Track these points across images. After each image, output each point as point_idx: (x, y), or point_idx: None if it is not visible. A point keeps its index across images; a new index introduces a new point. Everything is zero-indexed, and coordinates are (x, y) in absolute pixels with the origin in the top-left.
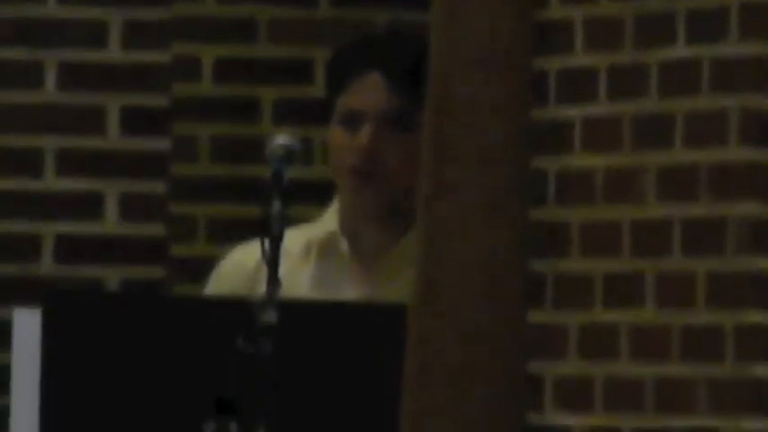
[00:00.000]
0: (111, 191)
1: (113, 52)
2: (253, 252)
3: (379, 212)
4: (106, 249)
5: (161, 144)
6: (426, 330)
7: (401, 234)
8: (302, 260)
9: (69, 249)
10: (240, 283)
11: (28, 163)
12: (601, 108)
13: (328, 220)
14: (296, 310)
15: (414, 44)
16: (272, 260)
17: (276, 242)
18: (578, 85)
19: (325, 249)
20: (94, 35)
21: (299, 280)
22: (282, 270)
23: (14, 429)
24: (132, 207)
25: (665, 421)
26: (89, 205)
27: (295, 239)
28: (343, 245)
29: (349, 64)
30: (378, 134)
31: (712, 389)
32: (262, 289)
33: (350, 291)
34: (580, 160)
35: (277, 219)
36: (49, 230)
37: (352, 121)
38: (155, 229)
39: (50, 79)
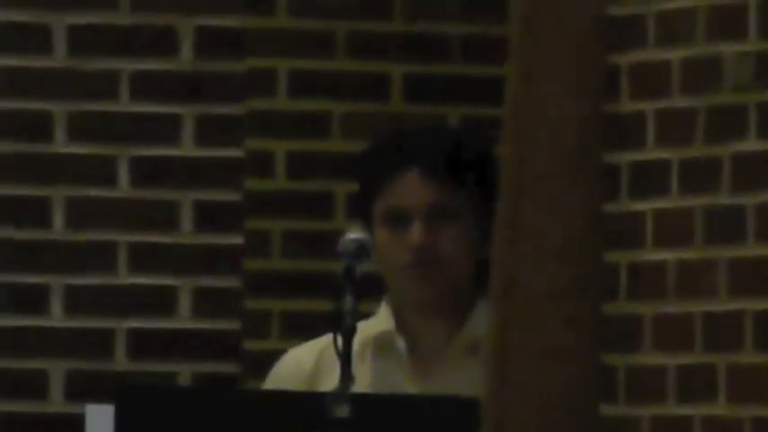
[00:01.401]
0: (185, 286)
1: (187, 148)
2: (309, 352)
3: (439, 307)
4: (179, 344)
5: (235, 239)
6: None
7: (458, 327)
8: (359, 359)
9: (143, 345)
10: (298, 384)
11: (104, 259)
12: (672, 202)
13: (382, 318)
14: (369, 404)
15: (446, 134)
16: (346, 354)
17: (349, 337)
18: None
19: (381, 347)
20: (168, 130)
21: (357, 379)
22: (339, 369)
23: None
24: (206, 302)
25: None
26: (163, 301)
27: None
28: (400, 342)
29: (386, 163)
30: (428, 229)
31: None
32: (320, 389)
33: (409, 388)
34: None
35: (349, 313)
36: (123, 326)
37: (399, 220)
38: (228, 324)
39: (124, 175)
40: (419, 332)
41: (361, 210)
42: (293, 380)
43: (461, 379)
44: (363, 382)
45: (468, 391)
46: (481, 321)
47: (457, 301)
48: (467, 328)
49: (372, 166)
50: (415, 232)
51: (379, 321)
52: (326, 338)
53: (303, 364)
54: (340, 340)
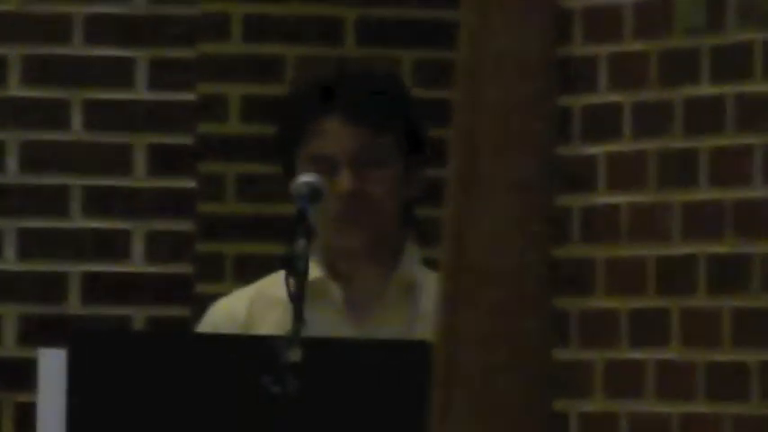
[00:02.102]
0: (138, 230)
1: (140, 92)
2: (240, 300)
3: (370, 253)
4: (133, 288)
5: (188, 183)
6: (452, 368)
7: (390, 270)
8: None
9: (96, 289)
10: (231, 330)
11: (55, 203)
12: (625, 146)
13: (313, 266)
14: (321, 348)
15: (367, 78)
16: (298, 297)
17: (301, 280)
18: (603, 123)
19: (315, 295)
20: (122, 74)
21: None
22: (274, 318)
23: None
24: (159, 246)
25: None
26: (116, 244)
27: (282, 286)
28: (334, 289)
29: (309, 109)
30: (355, 175)
31: (738, 427)
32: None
33: (348, 333)
34: (604, 198)
35: (302, 256)
36: (76, 269)
37: (325, 166)
38: (181, 268)
39: (77, 118)
40: (352, 278)
41: (283, 156)
42: (225, 328)
43: (399, 320)
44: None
45: (408, 333)
46: (412, 262)
47: (387, 244)
48: (399, 271)
49: (295, 111)
50: (344, 180)
51: (311, 269)
52: (257, 285)
53: (235, 312)
54: (292, 283)
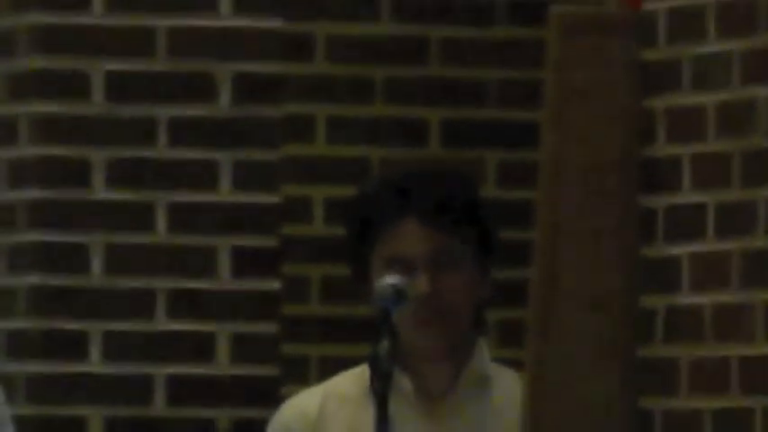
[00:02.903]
0: (223, 332)
1: (225, 193)
2: (312, 398)
3: (445, 354)
4: (218, 390)
5: (272, 284)
6: None
7: (463, 365)
8: (365, 402)
9: (181, 391)
10: (303, 429)
11: (143, 306)
12: (709, 246)
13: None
14: None
15: (439, 178)
16: (383, 398)
17: (385, 380)
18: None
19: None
20: (206, 176)
21: (363, 423)
22: (345, 415)
23: None
24: (244, 348)
25: None
26: (202, 347)
27: (352, 383)
28: (405, 383)
29: (385, 211)
30: (433, 278)
31: None
32: None
33: (419, 425)
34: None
35: (385, 357)
36: (162, 371)
37: (402, 268)
38: (266, 370)
39: (162, 221)
40: (425, 373)
41: (357, 259)
42: (297, 427)
43: (471, 414)
44: (371, 427)
45: (481, 427)
46: (484, 358)
47: (460, 343)
48: (471, 366)
49: (369, 213)
50: (422, 283)
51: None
52: (327, 384)
53: (306, 411)
54: (376, 383)
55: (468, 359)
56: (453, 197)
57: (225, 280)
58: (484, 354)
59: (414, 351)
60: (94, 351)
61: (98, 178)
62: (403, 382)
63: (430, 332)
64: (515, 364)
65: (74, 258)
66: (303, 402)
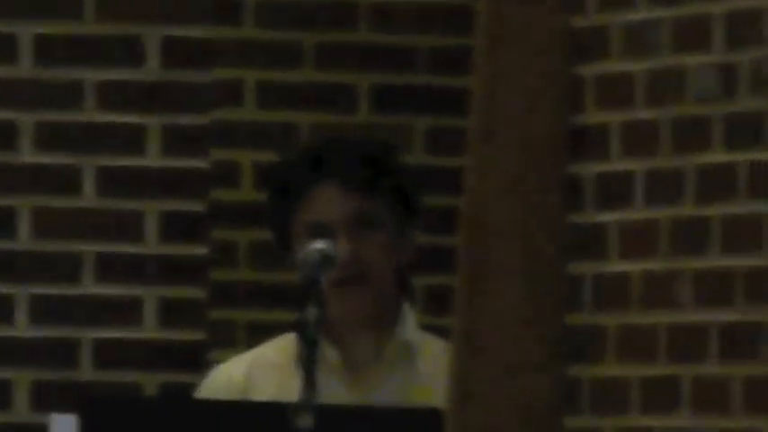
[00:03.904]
0: (150, 296)
1: (153, 158)
2: (239, 366)
3: (367, 319)
4: (145, 355)
5: (200, 250)
6: None
7: (388, 334)
8: (290, 372)
9: (108, 355)
10: (230, 396)
11: (69, 269)
12: (637, 213)
13: None
14: (332, 415)
15: (358, 144)
16: (309, 365)
17: (312, 348)
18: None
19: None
20: (134, 141)
21: (290, 390)
22: (272, 383)
23: None
24: (171, 312)
25: None
26: (127, 311)
27: (278, 351)
28: (330, 353)
29: (303, 177)
30: (352, 242)
31: None
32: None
33: (348, 397)
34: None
35: (312, 323)
36: (88, 335)
37: (321, 234)
38: (193, 335)
39: (89, 185)
40: (350, 342)
41: (278, 225)
42: (224, 393)
43: (397, 383)
44: (297, 394)
45: (405, 395)
46: (410, 326)
47: (384, 309)
48: (398, 334)
49: (288, 180)
50: (341, 247)
51: None
52: (255, 351)
53: (234, 378)
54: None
55: (394, 327)
56: (370, 161)
57: (153, 245)
58: (409, 321)
59: (339, 319)
60: (21, 315)
61: (25, 142)
62: (329, 353)
63: (350, 301)
64: (444, 332)
65: (0, 222)
66: (231, 369)
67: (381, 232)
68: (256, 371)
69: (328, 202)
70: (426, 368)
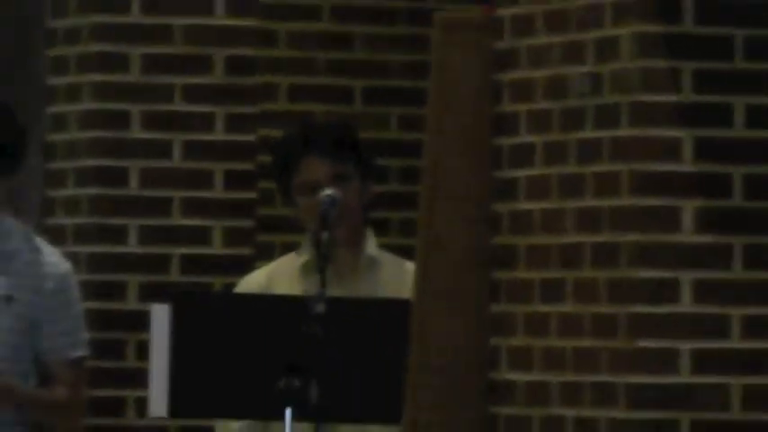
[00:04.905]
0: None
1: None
2: (262, 274)
3: (347, 240)
4: (215, 267)
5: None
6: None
7: (358, 251)
8: (294, 280)
9: (193, 265)
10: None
11: None
12: (537, 171)
13: (305, 251)
14: (337, 304)
15: (332, 125)
16: (322, 269)
17: (325, 259)
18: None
19: (308, 270)
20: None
21: (296, 290)
22: (285, 285)
23: (152, 385)
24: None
25: None
26: (203, 235)
27: (287, 265)
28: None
29: (296, 150)
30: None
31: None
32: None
33: (334, 293)
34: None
35: (325, 243)
36: (176, 251)
37: (312, 188)
38: (243, 251)
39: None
40: (337, 257)
41: (282, 185)
42: (254, 289)
43: (368, 286)
44: (302, 293)
45: (374, 293)
46: (373, 246)
47: (355, 235)
48: (364, 252)
49: (286, 152)
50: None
51: (304, 253)
52: (273, 264)
53: (260, 282)
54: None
55: (362, 246)
56: (340, 138)
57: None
58: (370, 241)
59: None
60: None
61: None
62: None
63: (337, 227)
64: (406, 253)
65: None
66: (256, 277)
67: (353, 184)
68: (274, 277)
69: (314, 167)
70: (386, 275)
